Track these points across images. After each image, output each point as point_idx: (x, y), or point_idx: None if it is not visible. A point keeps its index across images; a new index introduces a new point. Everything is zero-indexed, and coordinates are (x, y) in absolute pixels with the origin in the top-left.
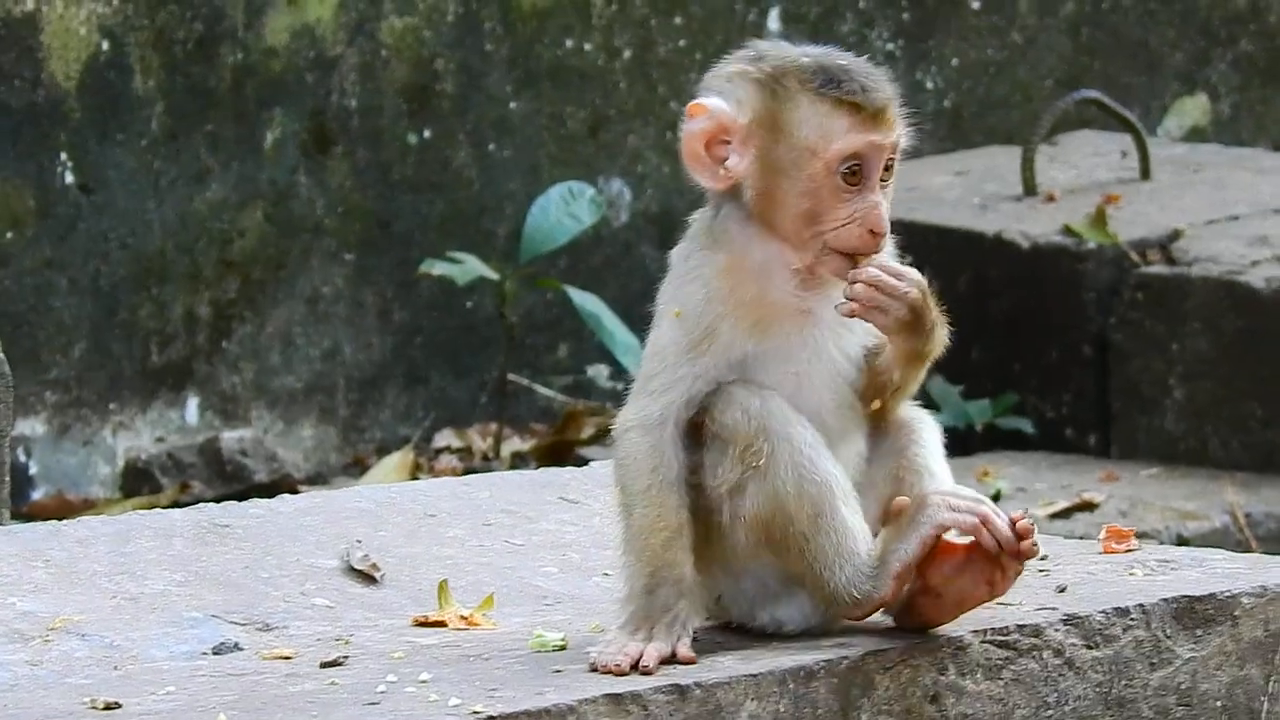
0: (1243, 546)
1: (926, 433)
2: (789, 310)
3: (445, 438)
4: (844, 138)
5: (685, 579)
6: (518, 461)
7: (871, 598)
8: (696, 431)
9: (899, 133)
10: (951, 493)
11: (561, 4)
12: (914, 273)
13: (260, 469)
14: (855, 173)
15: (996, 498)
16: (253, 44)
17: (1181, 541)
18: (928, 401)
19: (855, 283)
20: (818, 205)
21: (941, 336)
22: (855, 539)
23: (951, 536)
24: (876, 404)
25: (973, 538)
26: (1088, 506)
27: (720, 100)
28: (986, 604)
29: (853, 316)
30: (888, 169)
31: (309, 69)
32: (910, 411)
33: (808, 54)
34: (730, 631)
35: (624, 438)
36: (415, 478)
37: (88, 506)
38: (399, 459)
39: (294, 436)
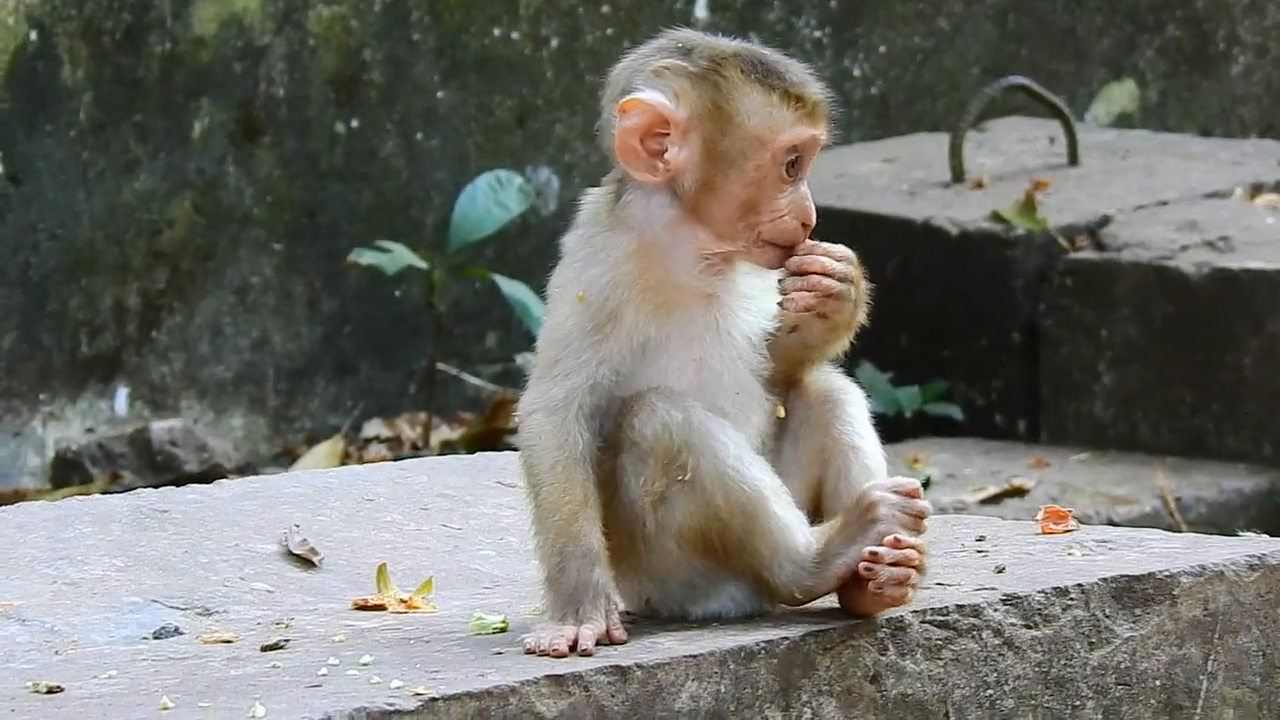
0: (1173, 531)
1: (851, 406)
2: (693, 294)
3: (374, 427)
4: (792, 129)
5: (594, 549)
6: (447, 450)
7: (812, 592)
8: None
9: (827, 128)
10: (899, 504)
11: None
12: (843, 249)
13: (190, 459)
14: (794, 165)
15: (927, 485)
16: (181, 34)
17: (1114, 526)
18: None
19: (808, 272)
20: (759, 195)
21: (865, 297)
22: (793, 535)
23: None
24: (780, 409)
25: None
26: (1018, 492)
27: (657, 94)
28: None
29: (809, 311)
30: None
31: (237, 59)
32: (833, 382)
33: (731, 45)
34: (667, 619)
35: (528, 421)
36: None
37: (18, 498)
38: (328, 448)
39: (224, 426)
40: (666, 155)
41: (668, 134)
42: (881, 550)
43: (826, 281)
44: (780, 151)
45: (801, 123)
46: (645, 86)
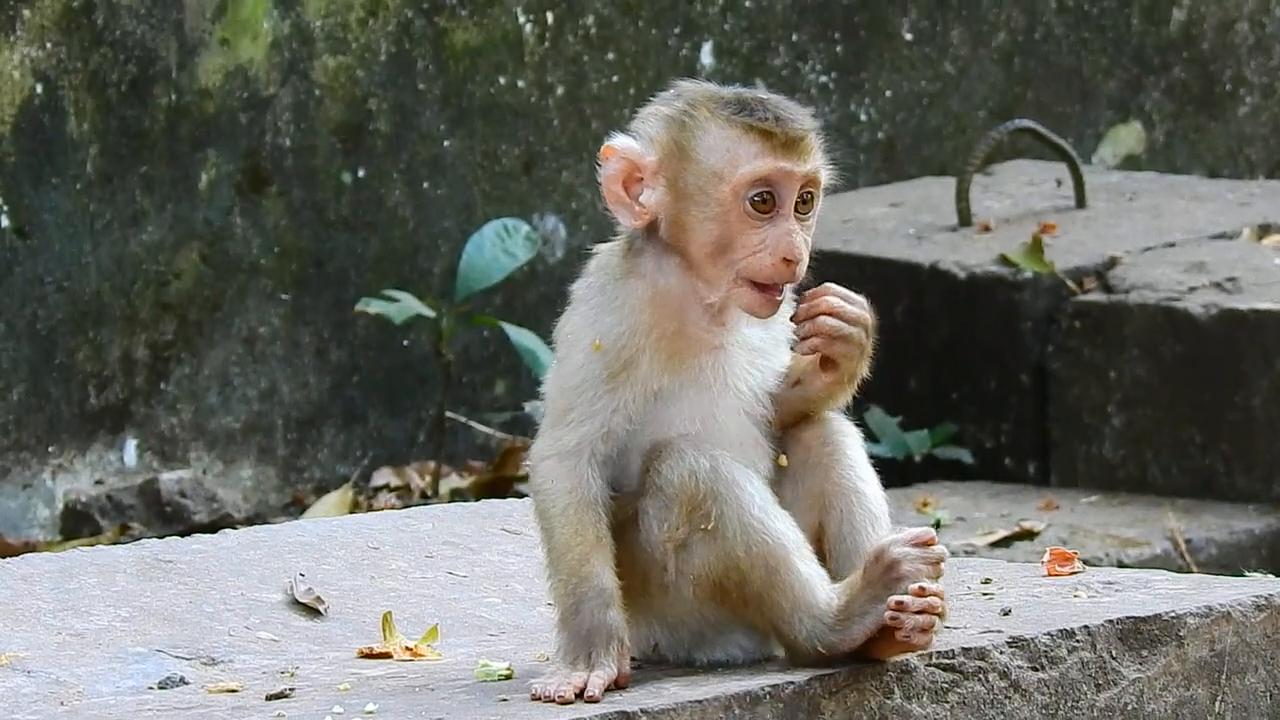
0: (1184, 573)
1: (850, 447)
2: (703, 344)
3: (384, 476)
4: (751, 163)
5: (608, 589)
6: (456, 499)
7: (835, 648)
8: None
9: (816, 163)
10: (920, 556)
11: (494, 41)
12: (857, 297)
13: (200, 509)
14: (766, 200)
15: (936, 527)
16: (186, 85)
17: (1122, 568)
18: (866, 433)
19: (816, 314)
20: (727, 232)
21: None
22: (814, 591)
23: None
24: (783, 459)
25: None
26: (1028, 535)
27: (628, 140)
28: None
29: (815, 353)
30: (806, 201)
31: (243, 109)
32: (830, 423)
33: (729, 90)
34: (673, 664)
35: (540, 467)
36: None
37: (28, 550)
38: (338, 498)
39: (233, 477)
40: (641, 198)
41: (643, 177)
42: (907, 599)
43: (833, 322)
44: (741, 186)
45: (764, 156)
46: (627, 134)
